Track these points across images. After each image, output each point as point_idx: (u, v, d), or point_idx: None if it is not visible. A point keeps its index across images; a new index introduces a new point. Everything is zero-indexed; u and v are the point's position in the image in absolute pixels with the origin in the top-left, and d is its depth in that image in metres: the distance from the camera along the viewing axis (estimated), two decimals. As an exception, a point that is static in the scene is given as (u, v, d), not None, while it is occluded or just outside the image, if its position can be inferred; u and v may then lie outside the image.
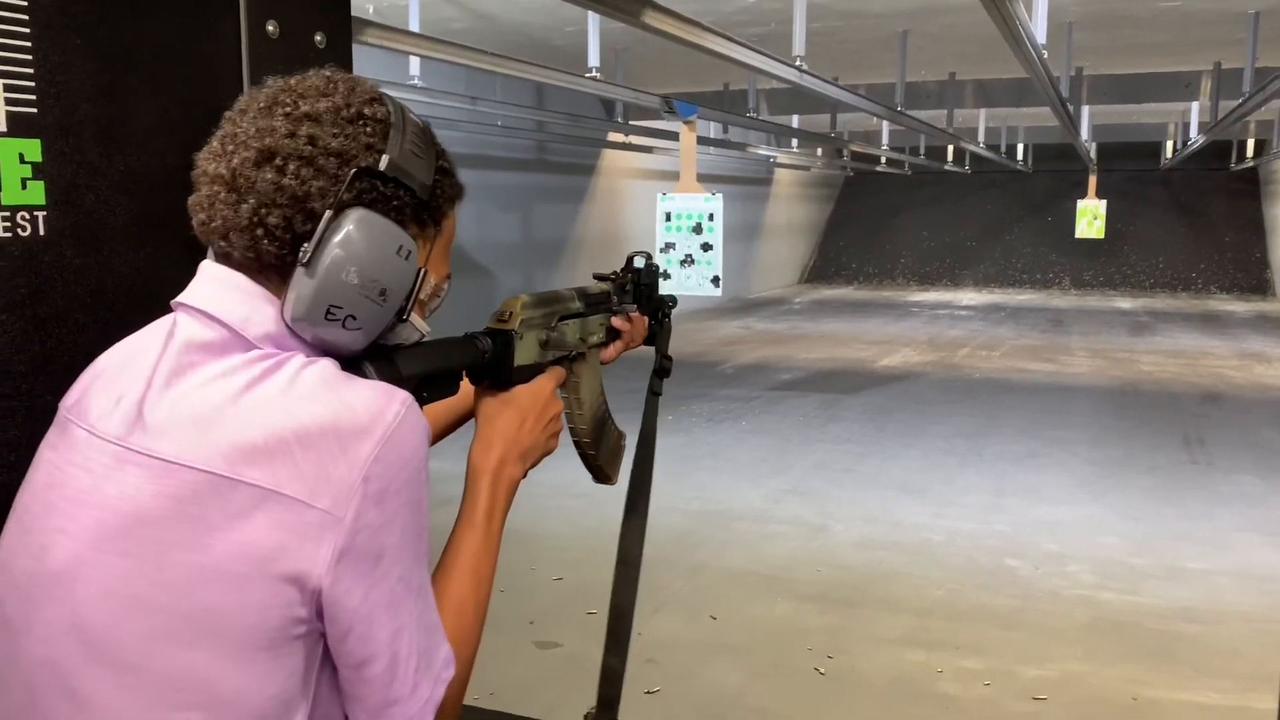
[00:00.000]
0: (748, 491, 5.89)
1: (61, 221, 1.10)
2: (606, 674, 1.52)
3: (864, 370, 10.25)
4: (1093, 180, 16.29)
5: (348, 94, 0.94)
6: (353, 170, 0.91)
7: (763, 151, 13.39)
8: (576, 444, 1.33)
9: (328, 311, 0.90)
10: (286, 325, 0.92)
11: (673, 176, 11.61)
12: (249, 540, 0.83)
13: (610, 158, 12.98)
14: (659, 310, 1.48)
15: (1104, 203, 16.23)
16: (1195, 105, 11.73)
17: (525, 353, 1.14)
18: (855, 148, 12.00)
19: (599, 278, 1.39)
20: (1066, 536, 5.10)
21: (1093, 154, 14.00)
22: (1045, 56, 5.14)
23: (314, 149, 0.90)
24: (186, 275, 0.98)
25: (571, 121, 9.20)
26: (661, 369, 1.51)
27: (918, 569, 4.68)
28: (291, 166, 0.89)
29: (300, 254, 0.89)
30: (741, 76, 10.29)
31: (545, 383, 1.16)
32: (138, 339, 0.95)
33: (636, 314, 1.41)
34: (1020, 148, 17.72)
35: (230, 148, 0.92)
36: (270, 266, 0.92)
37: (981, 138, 12.52)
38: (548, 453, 1.16)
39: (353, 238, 0.90)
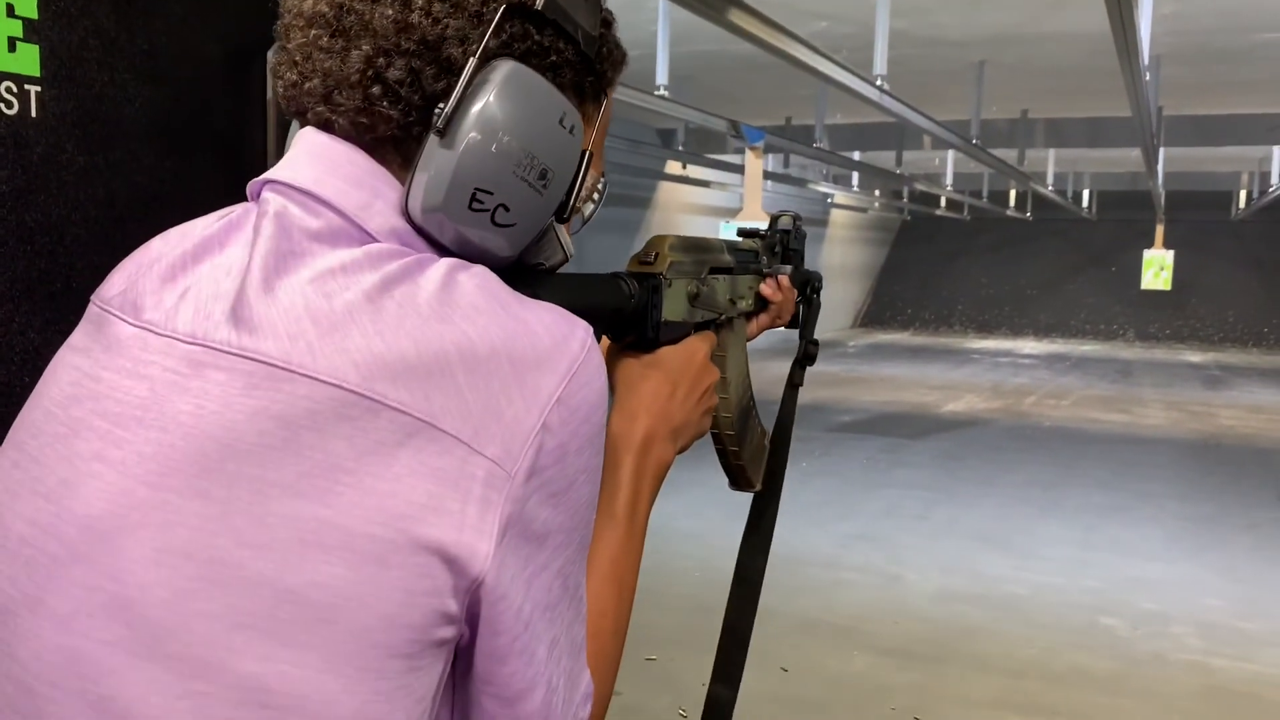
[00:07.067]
0: (814, 535, 5.54)
1: (61, 103, 0.83)
2: (712, 706, 1.22)
3: (927, 415, 9.85)
4: (1160, 230, 15.82)
5: None
6: (502, 6, 0.67)
7: (822, 189, 13.12)
8: (715, 436, 1.04)
9: (473, 198, 0.66)
10: (411, 223, 0.67)
11: (731, 213, 11.40)
12: (390, 490, 0.58)
13: (667, 191, 12.79)
14: (807, 285, 1.22)
15: (1171, 253, 15.75)
16: (1277, 150, 11.33)
17: (673, 306, 0.88)
18: (922, 186, 11.69)
19: (745, 234, 1.12)
20: (1165, 595, 4.71)
21: (1161, 202, 13.58)
22: (1148, 80, 4.82)
23: None
24: (224, 196, 0.72)
25: (630, 148, 8.99)
26: (806, 355, 1.23)
27: (1004, 625, 4.31)
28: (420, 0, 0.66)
29: (434, 117, 0.65)
30: (804, 112, 10.05)
31: (699, 344, 0.89)
32: (205, 226, 0.68)
33: (788, 283, 1.13)
34: (1086, 194, 17.31)
35: None
36: (386, 140, 0.68)
37: (1050, 180, 12.15)
38: (701, 433, 0.89)
39: (506, 97, 0.66)
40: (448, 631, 0.60)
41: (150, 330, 0.63)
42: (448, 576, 0.59)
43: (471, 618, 0.61)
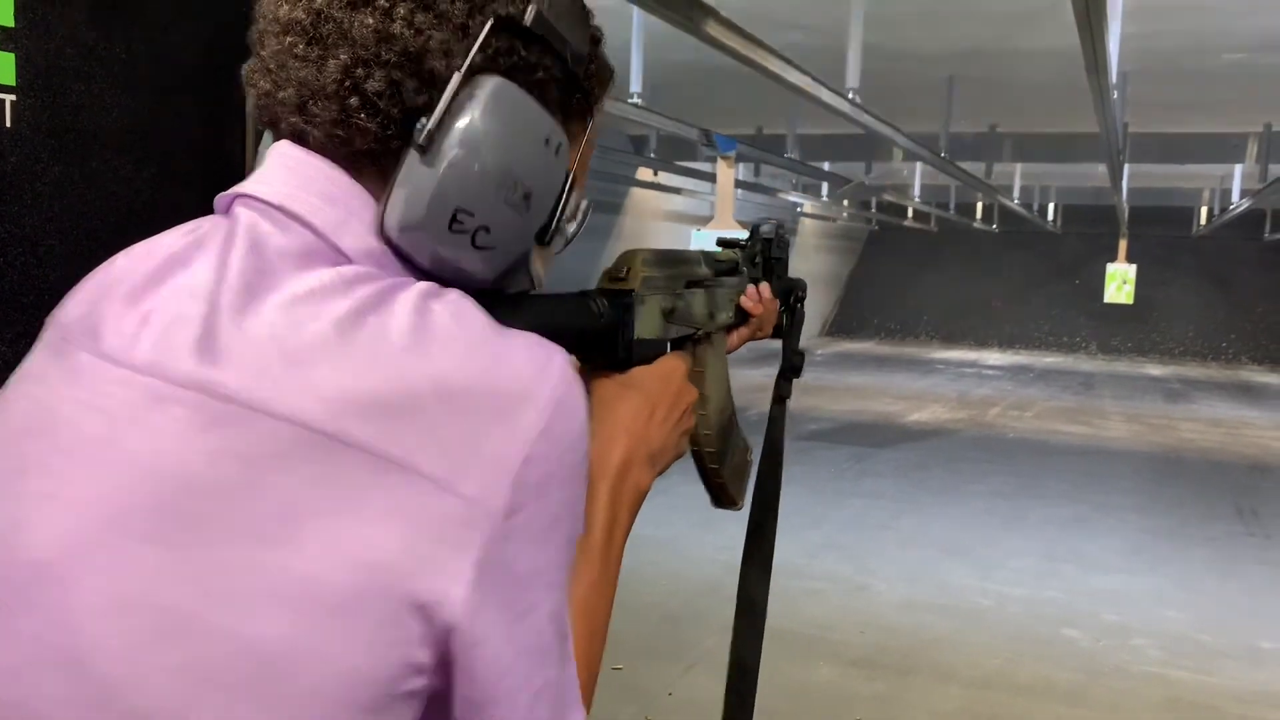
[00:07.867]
0: (781, 544, 5.51)
1: (37, 113, 0.81)
2: None
3: (893, 425, 9.92)
4: (1123, 244, 16.05)
5: None
6: (489, 20, 0.64)
7: (791, 198, 13.19)
8: (695, 454, 1.03)
9: (454, 218, 0.63)
10: (386, 241, 0.64)
11: (702, 221, 11.41)
12: (358, 535, 0.55)
13: (638, 197, 12.80)
14: (790, 295, 1.19)
15: (1134, 267, 15.99)
16: (1238, 169, 11.52)
17: (646, 323, 0.86)
18: (890, 197, 11.78)
19: (724, 244, 1.10)
20: (1126, 607, 4.77)
21: (1124, 217, 13.79)
22: (1116, 98, 4.88)
23: None
24: (201, 208, 0.70)
25: (602, 154, 8.99)
26: (791, 368, 1.22)
27: (969, 635, 4.34)
28: (403, 9, 0.63)
29: (415, 133, 0.62)
30: (775, 121, 10.09)
31: (676, 363, 0.86)
32: (170, 243, 0.64)
33: (769, 294, 1.11)
34: (1051, 208, 17.51)
35: None
36: (362, 155, 0.64)
37: (1017, 194, 12.28)
38: (679, 456, 0.86)
39: (491, 115, 0.63)
40: (417, 682, 0.57)
41: (109, 360, 0.60)
42: (418, 625, 0.56)
43: (446, 665, 0.57)
